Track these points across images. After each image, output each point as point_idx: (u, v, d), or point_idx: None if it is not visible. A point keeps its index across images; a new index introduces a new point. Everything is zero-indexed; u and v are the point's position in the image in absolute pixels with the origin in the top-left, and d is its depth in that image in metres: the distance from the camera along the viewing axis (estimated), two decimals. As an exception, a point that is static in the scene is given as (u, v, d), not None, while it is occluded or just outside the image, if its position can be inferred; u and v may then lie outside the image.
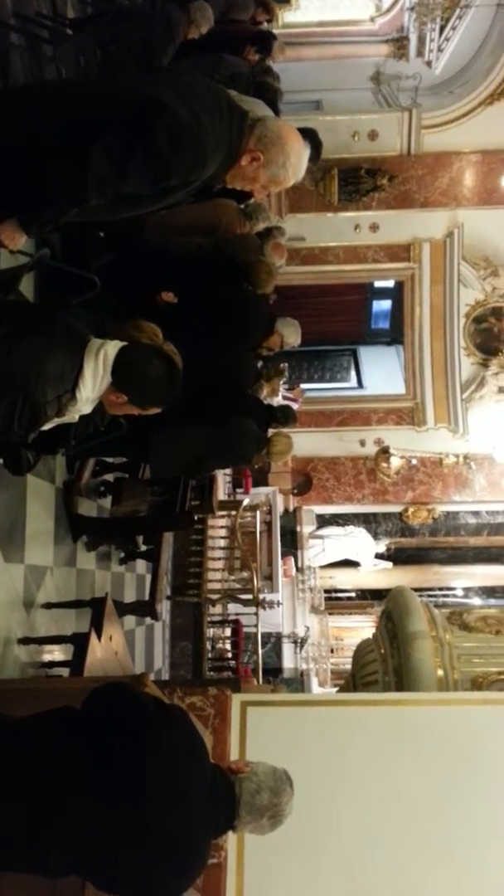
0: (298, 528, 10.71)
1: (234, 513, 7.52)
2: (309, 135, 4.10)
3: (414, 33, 9.97)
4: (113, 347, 1.98)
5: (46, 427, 1.99)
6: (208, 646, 7.19)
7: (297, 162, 2.15)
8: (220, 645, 7.69)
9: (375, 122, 9.72)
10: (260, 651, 7.10)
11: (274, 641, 9.39)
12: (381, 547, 11.03)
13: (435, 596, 10.83)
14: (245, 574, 7.47)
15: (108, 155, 1.87)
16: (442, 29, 9.73)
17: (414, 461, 10.58)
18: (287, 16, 10.26)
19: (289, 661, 9.74)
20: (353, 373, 13.83)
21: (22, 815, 1.69)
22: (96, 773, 1.73)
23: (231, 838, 2.88)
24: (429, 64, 10.15)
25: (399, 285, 11.00)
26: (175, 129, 1.90)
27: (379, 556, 11.03)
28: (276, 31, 7.01)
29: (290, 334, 4.50)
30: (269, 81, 4.93)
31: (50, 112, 1.98)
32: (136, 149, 1.89)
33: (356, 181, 9.62)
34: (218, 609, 7.57)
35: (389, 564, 11.08)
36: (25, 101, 2.06)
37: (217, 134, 1.99)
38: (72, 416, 2.02)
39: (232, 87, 2.30)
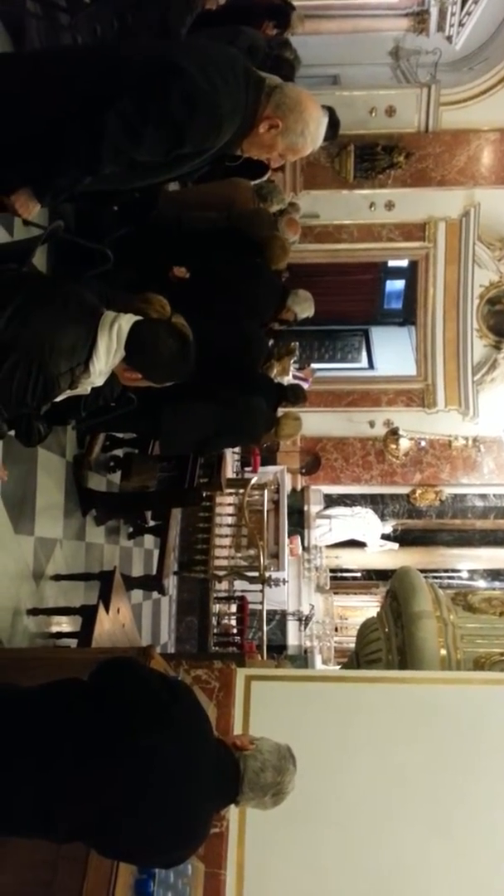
0: (306, 508, 10.73)
1: (241, 491, 7.54)
2: (327, 112, 4.04)
3: (435, 7, 9.73)
4: (127, 321, 1.97)
5: (58, 399, 2.00)
6: (214, 621, 7.26)
7: (315, 130, 2.11)
8: (225, 621, 7.76)
9: (393, 98, 9.55)
10: (265, 628, 7.16)
11: (279, 619, 9.47)
12: (388, 528, 11.05)
13: (440, 578, 10.86)
14: (251, 552, 7.51)
15: (123, 121, 1.85)
16: (463, 3, 9.49)
17: (423, 443, 10.55)
18: (306, -13, 10.05)
19: (293, 638, 9.82)
20: (364, 353, 13.75)
21: (28, 784, 1.72)
22: (102, 745, 1.75)
23: (233, 809, 2.93)
24: (449, 39, 9.93)
25: (413, 265, 10.88)
26: (190, 95, 1.88)
27: (385, 537, 11.06)
28: (294, 3, 6.88)
29: (304, 308, 4.48)
30: (286, 55, 4.86)
31: (64, 78, 1.95)
32: (151, 114, 1.86)
33: (372, 158, 9.48)
34: (224, 585, 7.63)
35: (395, 545, 11.10)
36: (39, 67, 2.03)
37: (233, 99, 1.96)
38: (84, 388, 2.02)
39: (249, 59, 2.26)
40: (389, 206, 9.92)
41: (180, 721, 1.86)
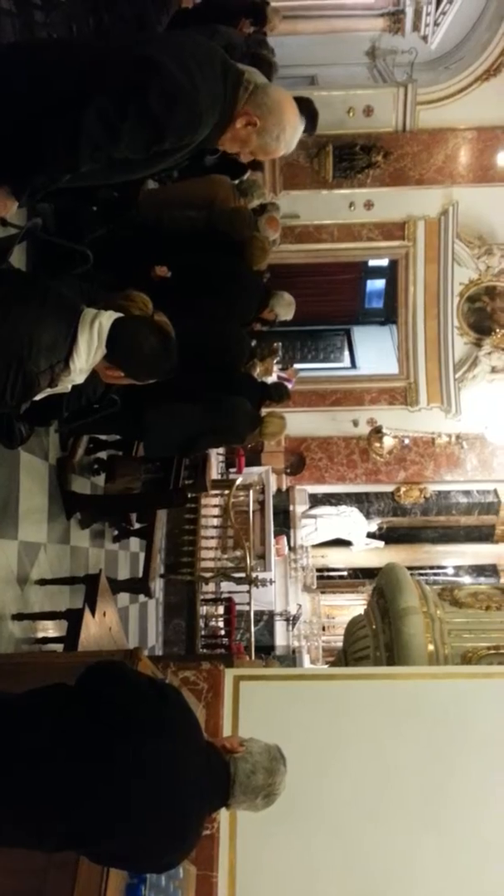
0: (291, 508, 10.73)
1: (227, 492, 7.52)
2: (305, 104, 4.03)
3: (410, 7, 9.81)
4: (108, 318, 1.95)
5: (38, 397, 1.97)
6: (201, 623, 7.23)
7: (290, 137, 2.14)
8: (213, 623, 7.73)
9: (371, 98, 9.60)
10: (252, 629, 7.15)
11: (266, 619, 9.45)
12: (373, 526, 11.08)
13: (426, 574, 10.90)
14: (238, 553, 7.49)
15: (101, 118, 1.83)
16: (438, 3, 9.57)
17: (406, 441, 10.60)
18: (282, -13, 10.07)
19: (281, 638, 9.81)
20: (346, 353, 13.80)
21: (15, 791, 1.70)
22: (90, 751, 1.73)
23: (224, 811, 2.92)
24: (425, 39, 10.00)
25: (393, 264, 10.94)
26: (169, 90, 1.86)
27: (371, 536, 11.08)
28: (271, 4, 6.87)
29: (286, 311, 4.47)
30: (264, 54, 4.84)
31: (42, 74, 1.92)
32: (129, 111, 1.84)
33: (351, 157, 9.52)
34: (211, 587, 7.60)
35: (381, 543, 11.13)
36: (15, 61, 2.01)
37: (212, 93, 1.95)
38: (64, 386, 2.00)
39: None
40: (369, 205, 9.96)
41: (169, 725, 1.84)
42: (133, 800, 1.74)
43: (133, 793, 1.74)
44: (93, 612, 3.42)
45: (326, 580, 11.81)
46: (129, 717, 1.80)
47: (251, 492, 8.01)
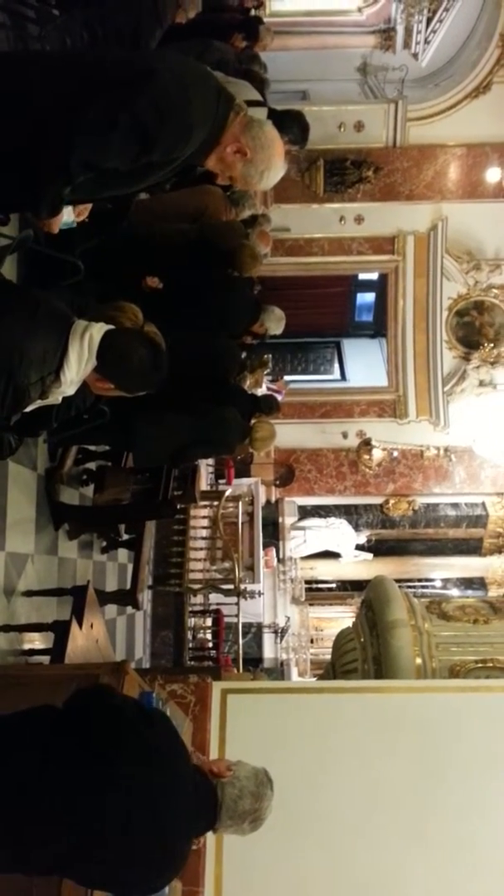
0: (280, 520, 10.72)
1: (216, 503, 7.51)
2: (296, 117, 4.08)
3: (401, 24, 9.95)
4: (98, 330, 1.95)
5: (28, 409, 1.97)
6: (189, 635, 7.19)
7: (272, 177, 2.20)
8: (201, 635, 7.69)
9: (362, 114, 9.70)
10: (241, 641, 7.12)
11: (255, 631, 9.42)
12: (362, 538, 11.08)
13: (414, 587, 10.89)
14: (227, 564, 7.47)
15: (92, 126, 1.85)
16: (429, 21, 9.71)
17: (395, 453, 10.63)
18: (275, 4, 10.19)
19: (269, 651, 9.77)
20: (336, 365, 13.86)
21: (2, 815, 1.68)
22: (77, 776, 1.72)
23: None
24: (415, 56, 10.13)
25: (383, 278, 11.01)
26: (160, 102, 1.88)
27: (359, 548, 11.07)
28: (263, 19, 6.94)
29: (275, 326, 4.49)
30: (256, 70, 4.90)
31: (34, 87, 1.93)
32: (120, 120, 1.86)
33: (342, 172, 9.61)
34: (199, 599, 7.57)
35: (370, 556, 11.13)
36: (8, 75, 2.01)
37: (204, 109, 1.97)
38: (55, 397, 2.00)
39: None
40: (359, 219, 10.04)
41: (156, 750, 1.83)
42: (118, 825, 1.72)
43: (118, 818, 1.72)
44: (80, 624, 3.40)
45: (315, 592, 11.78)
46: (116, 743, 1.79)
47: (240, 503, 8.00)
